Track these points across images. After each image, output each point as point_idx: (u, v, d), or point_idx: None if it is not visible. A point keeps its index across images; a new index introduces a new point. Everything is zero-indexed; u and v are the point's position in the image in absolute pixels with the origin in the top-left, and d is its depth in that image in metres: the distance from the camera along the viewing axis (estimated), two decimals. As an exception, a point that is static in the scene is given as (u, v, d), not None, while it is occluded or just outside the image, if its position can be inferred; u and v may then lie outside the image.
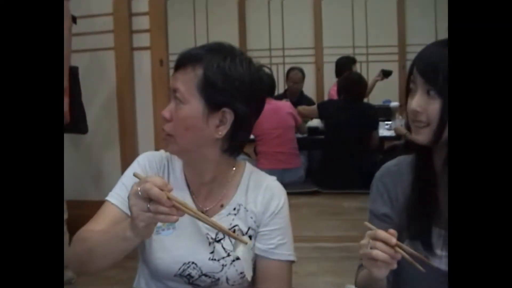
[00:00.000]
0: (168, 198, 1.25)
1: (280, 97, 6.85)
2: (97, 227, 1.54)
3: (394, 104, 6.97)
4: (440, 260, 1.49)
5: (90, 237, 1.50)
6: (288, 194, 5.08)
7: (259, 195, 1.65)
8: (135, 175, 1.38)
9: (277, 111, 6.04)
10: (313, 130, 6.46)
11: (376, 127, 6.09)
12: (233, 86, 1.52)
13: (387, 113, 6.78)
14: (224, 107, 1.52)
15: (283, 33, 9.57)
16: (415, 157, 1.58)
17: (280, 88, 8.34)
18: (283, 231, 1.65)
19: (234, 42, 9.37)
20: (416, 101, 1.45)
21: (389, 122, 6.60)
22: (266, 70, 1.65)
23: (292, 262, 1.66)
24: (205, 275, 1.59)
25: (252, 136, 6.08)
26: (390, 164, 1.67)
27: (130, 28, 4.08)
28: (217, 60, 1.52)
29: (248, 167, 1.71)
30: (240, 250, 1.44)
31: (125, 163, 4.02)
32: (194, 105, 1.51)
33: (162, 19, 4.03)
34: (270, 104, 6.06)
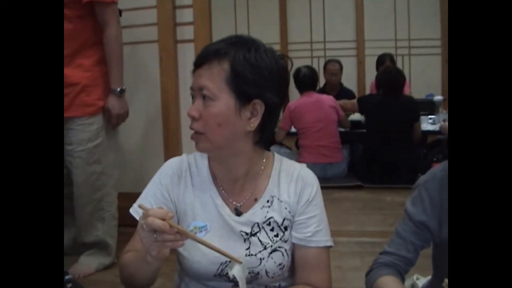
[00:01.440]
0: (171, 226, 1.30)
1: (320, 91, 6.78)
2: (135, 246, 1.57)
3: (438, 98, 6.86)
4: None
5: (128, 263, 1.56)
6: (331, 188, 5.05)
7: (292, 184, 1.65)
8: (140, 206, 1.41)
9: (319, 104, 6.01)
10: (356, 124, 6.42)
11: (417, 119, 6.01)
12: (262, 76, 1.51)
13: (430, 107, 6.68)
14: (255, 98, 1.51)
15: (324, 26, 9.53)
16: None
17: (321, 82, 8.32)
18: (319, 218, 1.65)
19: (275, 35, 9.39)
20: None
21: (433, 116, 6.51)
22: (286, 58, 1.63)
23: (329, 247, 1.67)
24: None
25: (293, 129, 6.07)
26: (437, 169, 1.63)
27: (174, 21, 4.08)
28: (242, 52, 1.50)
29: (277, 157, 1.71)
30: (236, 270, 1.44)
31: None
32: (225, 100, 1.50)
33: (206, 12, 4.03)
34: (312, 97, 6.04)
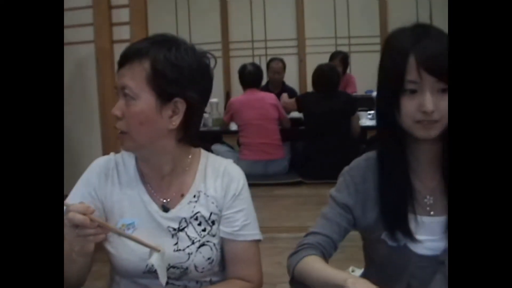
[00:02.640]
0: (91, 220, 1.33)
1: (263, 89, 6.83)
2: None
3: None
4: (422, 245, 1.51)
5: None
6: (272, 185, 5.10)
7: (218, 179, 1.67)
8: (64, 204, 1.40)
9: (261, 101, 6.09)
10: (296, 121, 6.50)
11: (353, 113, 6.18)
12: (183, 75, 1.53)
13: (369, 103, 6.78)
14: (175, 97, 1.53)
15: (265, 25, 9.57)
16: (388, 150, 1.56)
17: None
18: (246, 212, 1.67)
19: (217, 34, 9.38)
20: (430, 101, 1.39)
21: (372, 112, 6.60)
22: (209, 56, 1.64)
23: (258, 241, 1.68)
24: (173, 267, 1.60)
25: (235, 128, 6.11)
26: (359, 159, 1.66)
27: (110, 21, 4.06)
28: (163, 52, 1.52)
29: (204, 153, 1.72)
30: (154, 258, 1.46)
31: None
32: (146, 99, 1.52)
33: (142, 11, 4.01)
34: (255, 95, 6.10)
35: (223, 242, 1.66)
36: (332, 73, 6.17)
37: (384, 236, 1.54)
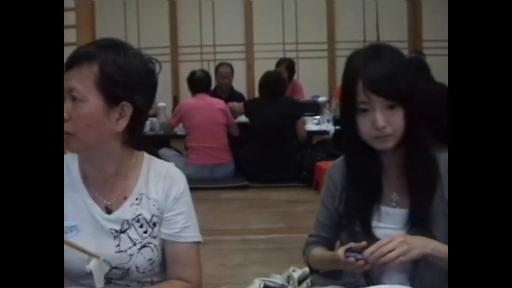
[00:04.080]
0: None
1: (211, 94, 6.83)
2: None
3: (322, 99, 7.09)
4: (383, 232, 1.67)
5: None
6: (219, 189, 5.10)
7: (160, 182, 1.70)
8: None
9: (209, 106, 6.15)
10: (242, 126, 6.55)
11: (298, 117, 6.29)
12: (131, 79, 1.56)
13: (315, 108, 6.88)
14: (123, 100, 1.56)
15: (214, 30, 9.58)
16: (352, 156, 1.74)
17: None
18: (186, 214, 1.70)
19: (165, 39, 9.35)
20: (381, 119, 1.55)
21: (317, 117, 6.74)
22: (154, 61, 1.67)
23: (198, 242, 1.72)
24: (115, 267, 1.62)
25: (182, 132, 6.13)
26: (338, 159, 1.83)
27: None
28: (111, 56, 1.55)
29: (146, 157, 1.75)
30: (92, 264, 1.49)
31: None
32: (94, 102, 1.53)
33: (89, 15, 4.02)
34: (203, 99, 6.15)
35: (164, 243, 1.69)
36: (278, 80, 6.33)
37: (347, 223, 1.74)
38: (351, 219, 1.72)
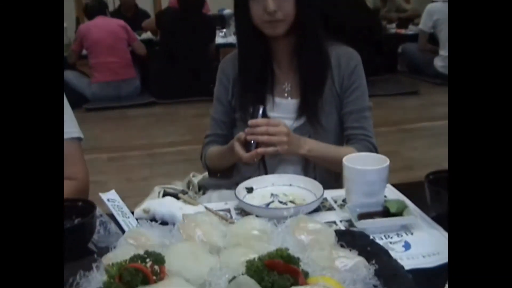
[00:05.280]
0: None
1: (115, 13, 6.74)
2: None
3: (228, 12, 7.00)
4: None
5: None
6: (125, 107, 5.03)
7: None
8: None
9: (109, 24, 6.01)
10: (147, 42, 6.43)
11: (213, 40, 6.18)
12: None
13: (222, 21, 6.83)
14: None
15: None
16: (245, 44, 1.76)
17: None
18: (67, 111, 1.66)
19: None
20: (272, 3, 1.61)
21: (224, 30, 6.67)
22: None
23: (78, 139, 1.69)
24: None
25: (85, 52, 5.98)
26: (229, 54, 1.86)
27: None
28: None
29: None
30: None
31: None
32: None
33: None
34: (102, 20, 6.02)
35: None
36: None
37: (241, 114, 1.77)
38: (245, 110, 1.75)
